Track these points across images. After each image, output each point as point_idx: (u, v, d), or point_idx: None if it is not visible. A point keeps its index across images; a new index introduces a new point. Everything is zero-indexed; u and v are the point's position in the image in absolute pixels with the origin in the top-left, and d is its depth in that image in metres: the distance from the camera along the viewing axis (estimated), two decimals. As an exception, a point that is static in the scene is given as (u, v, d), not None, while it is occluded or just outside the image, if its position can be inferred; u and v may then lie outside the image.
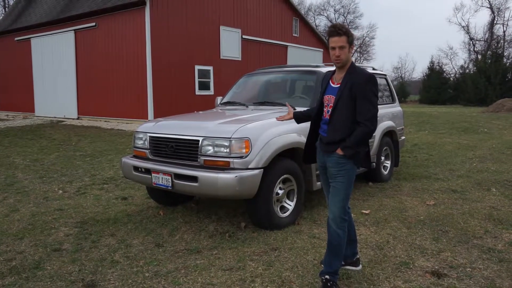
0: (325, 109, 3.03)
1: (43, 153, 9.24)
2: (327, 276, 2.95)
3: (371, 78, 2.88)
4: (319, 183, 4.73)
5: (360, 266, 3.28)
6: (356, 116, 2.87)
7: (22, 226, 4.42)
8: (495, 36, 42.16)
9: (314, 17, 54.00)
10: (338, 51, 2.86)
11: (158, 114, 13.70)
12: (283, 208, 4.36)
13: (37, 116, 18.56)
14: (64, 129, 14.00)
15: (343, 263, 3.18)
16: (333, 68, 3.68)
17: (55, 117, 17.51)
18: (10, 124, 15.34)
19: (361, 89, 2.85)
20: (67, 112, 17.26)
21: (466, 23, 63.03)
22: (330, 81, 3.05)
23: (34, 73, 18.79)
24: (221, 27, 16.87)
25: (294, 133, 4.38)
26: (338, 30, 2.86)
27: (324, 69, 5.27)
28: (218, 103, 5.88)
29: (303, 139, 4.41)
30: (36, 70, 18.71)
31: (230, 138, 3.88)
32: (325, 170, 3.10)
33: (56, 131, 13.28)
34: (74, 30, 16.53)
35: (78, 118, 16.82)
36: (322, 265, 3.15)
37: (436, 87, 34.80)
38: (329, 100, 2.99)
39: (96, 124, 14.93)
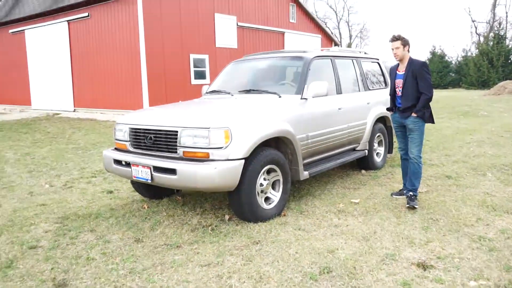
0: (397, 89, 4.60)
1: (35, 146, 9.13)
2: (410, 193, 4.44)
3: (424, 63, 4.42)
4: (306, 172, 4.59)
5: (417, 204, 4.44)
6: (419, 88, 4.38)
7: (2, 222, 4.31)
8: (497, 18, 41.38)
9: (314, 2, 53.22)
10: (395, 50, 4.43)
11: (154, 105, 13.52)
12: (268, 199, 4.22)
13: (33, 109, 18.43)
14: (60, 121, 13.88)
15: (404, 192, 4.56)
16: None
17: (51, 110, 17.38)
18: (6, 118, 15.25)
19: (419, 71, 4.37)
20: (63, 105, 17.11)
21: (468, 5, 61.89)
22: (397, 71, 4.58)
23: (30, 66, 18.60)
24: (216, 14, 16.56)
25: (278, 121, 4.22)
26: (393, 37, 4.45)
27: (312, 54, 5.09)
28: (205, 92, 5.73)
29: (288, 127, 4.28)
30: (31, 62, 18.52)
31: (208, 128, 3.72)
32: (401, 129, 4.69)
33: (51, 124, 13.17)
34: (67, 20, 16.28)
35: (74, 111, 16.68)
36: (393, 196, 4.81)
37: (438, 70, 34.19)
38: (399, 82, 4.55)
39: (92, 116, 14.80)
